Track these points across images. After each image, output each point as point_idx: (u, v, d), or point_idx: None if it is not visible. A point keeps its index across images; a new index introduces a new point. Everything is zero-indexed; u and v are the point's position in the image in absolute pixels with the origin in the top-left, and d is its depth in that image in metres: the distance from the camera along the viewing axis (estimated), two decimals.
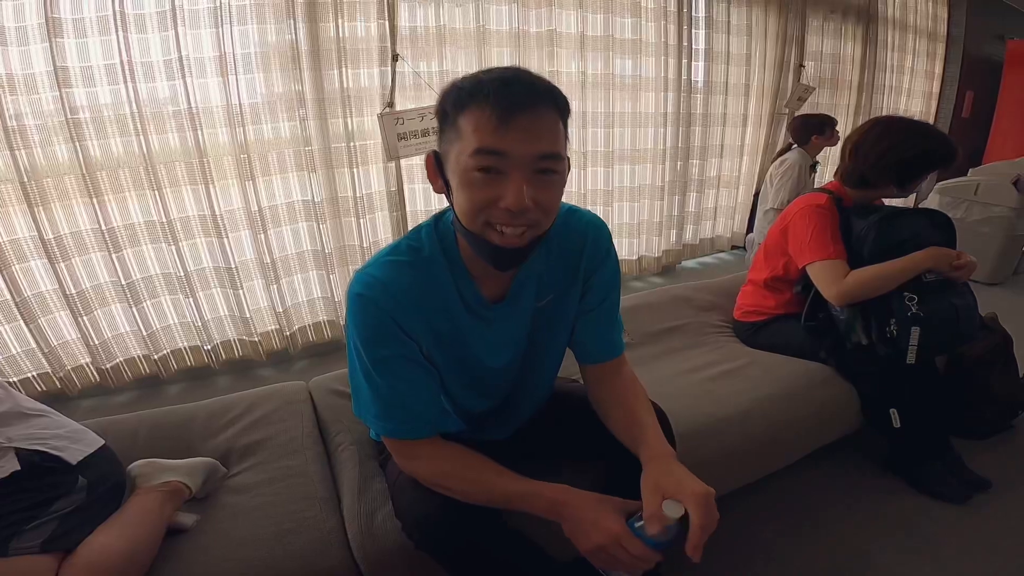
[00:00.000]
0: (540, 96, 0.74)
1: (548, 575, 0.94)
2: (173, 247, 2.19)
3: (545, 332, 1.00)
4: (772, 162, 3.09)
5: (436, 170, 0.82)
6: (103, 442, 1.11)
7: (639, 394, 0.99)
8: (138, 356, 2.29)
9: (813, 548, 1.41)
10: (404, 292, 0.84)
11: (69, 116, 1.88)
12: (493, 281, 0.91)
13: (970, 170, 3.52)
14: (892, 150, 1.51)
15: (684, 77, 3.37)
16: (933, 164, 1.51)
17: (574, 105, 0.79)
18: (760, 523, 1.48)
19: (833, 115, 3.09)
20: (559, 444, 1.13)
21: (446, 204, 0.86)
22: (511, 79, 0.73)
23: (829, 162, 4.34)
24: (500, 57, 2.70)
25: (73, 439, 1.06)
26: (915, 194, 1.59)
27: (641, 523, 0.77)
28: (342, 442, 1.28)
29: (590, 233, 0.96)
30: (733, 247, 4.17)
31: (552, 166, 0.76)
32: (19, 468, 0.94)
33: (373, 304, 0.82)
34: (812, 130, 3.00)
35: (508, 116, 0.71)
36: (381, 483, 1.12)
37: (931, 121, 5.24)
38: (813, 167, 3.01)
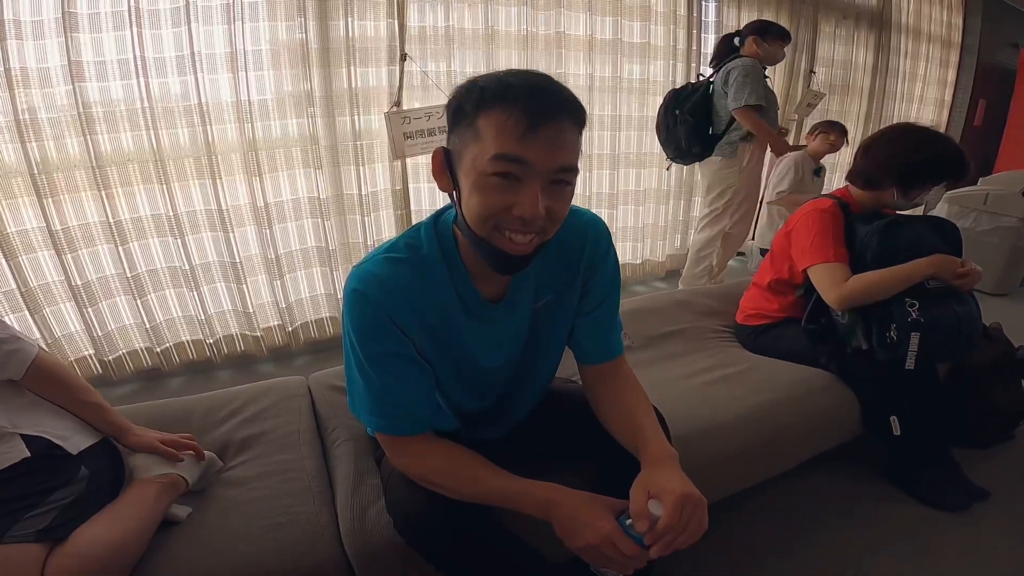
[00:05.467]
0: (566, 107, 0.73)
1: (538, 573, 0.94)
2: (179, 241, 2.20)
3: (543, 332, 1.00)
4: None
5: (444, 167, 0.79)
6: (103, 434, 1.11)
7: (638, 395, 0.98)
8: (141, 348, 2.31)
9: (809, 555, 1.40)
10: (401, 289, 0.84)
11: (82, 110, 1.90)
12: (491, 281, 0.91)
13: (980, 179, 3.49)
14: (903, 152, 1.50)
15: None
16: (940, 174, 1.49)
17: None
18: (756, 529, 1.48)
19: (843, 121, 3.08)
20: (553, 444, 1.13)
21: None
22: (540, 87, 0.72)
23: (837, 168, 4.31)
24: (508, 59, 2.70)
25: (75, 429, 1.06)
26: (923, 205, 1.56)
27: (630, 521, 0.77)
28: (339, 438, 1.28)
29: (590, 233, 0.96)
30: (737, 253, 4.14)
31: (567, 178, 0.76)
32: (29, 455, 0.94)
33: (369, 300, 0.82)
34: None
35: (535, 125, 0.70)
36: (376, 479, 1.12)
37: (943, 129, 5.19)
38: (817, 172, 3.00)
